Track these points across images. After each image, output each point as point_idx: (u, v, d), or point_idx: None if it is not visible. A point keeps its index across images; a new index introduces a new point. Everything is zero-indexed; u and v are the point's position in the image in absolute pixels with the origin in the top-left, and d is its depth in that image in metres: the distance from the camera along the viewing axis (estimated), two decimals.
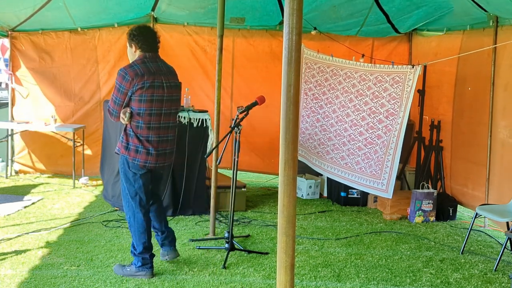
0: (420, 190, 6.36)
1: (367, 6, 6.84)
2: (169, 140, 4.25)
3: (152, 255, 4.31)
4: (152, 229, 4.40)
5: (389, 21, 7.21)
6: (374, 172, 6.12)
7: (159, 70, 4.14)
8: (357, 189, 6.85)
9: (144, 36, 4.11)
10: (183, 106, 6.28)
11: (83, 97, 7.78)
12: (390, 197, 6.12)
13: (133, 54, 4.16)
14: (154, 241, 4.45)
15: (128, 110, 4.05)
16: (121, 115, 4.06)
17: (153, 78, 4.04)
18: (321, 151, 6.79)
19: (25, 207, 6.16)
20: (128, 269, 4.28)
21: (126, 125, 4.11)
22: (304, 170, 7.42)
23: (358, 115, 6.32)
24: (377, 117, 6.10)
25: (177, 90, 4.31)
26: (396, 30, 7.62)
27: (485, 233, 5.96)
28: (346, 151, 6.47)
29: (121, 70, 4.02)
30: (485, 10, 5.75)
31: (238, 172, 4.85)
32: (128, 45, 4.17)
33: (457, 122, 6.66)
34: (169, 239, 4.56)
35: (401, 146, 5.92)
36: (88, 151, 7.85)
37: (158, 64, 4.17)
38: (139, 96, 4.00)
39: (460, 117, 6.62)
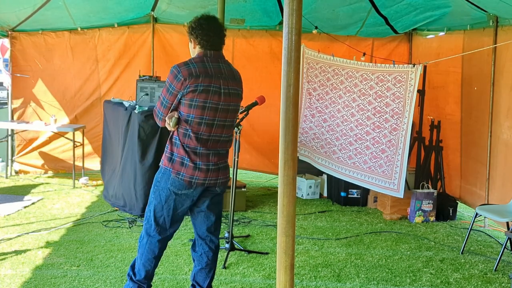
0: (420, 190, 6.36)
1: (365, 10, 6.92)
2: (220, 154, 3.51)
3: (150, 286, 3.69)
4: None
5: (387, 23, 7.26)
6: (386, 172, 6.11)
7: (219, 73, 3.42)
8: (357, 189, 6.85)
9: (204, 30, 3.41)
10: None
11: (83, 95, 7.82)
12: (402, 197, 6.03)
13: (193, 51, 3.52)
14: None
15: (176, 114, 3.40)
16: (167, 119, 3.41)
17: (209, 81, 3.35)
18: (328, 151, 6.78)
19: (25, 207, 6.16)
20: None
21: (173, 132, 3.46)
22: (304, 170, 7.42)
23: (363, 115, 6.32)
24: (383, 116, 6.10)
25: (236, 99, 3.54)
26: (395, 31, 7.63)
27: (485, 233, 5.95)
28: (353, 150, 6.47)
29: (174, 67, 3.36)
30: (485, 11, 5.74)
31: (238, 171, 4.85)
32: (189, 41, 3.53)
33: (466, 122, 6.64)
34: None
35: (408, 146, 5.92)
36: (88, 147, 7.92)
37: (219, 66, 3.44)
38: (190, 100, 3.34)
39: (469, 117, 6.60)
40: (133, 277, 3.62)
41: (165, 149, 3.51)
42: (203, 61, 3.39)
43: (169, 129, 3.44)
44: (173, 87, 3.34)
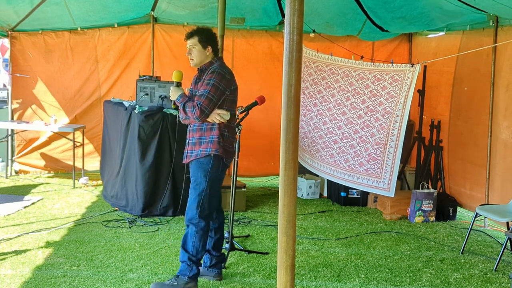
0: (420, 190, 6.36)
1: (360, 20, 7.08)
2: (234, 140, 4.34)
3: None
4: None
5: (384, 30, 7.35)
6: (373, 171, 6.10)
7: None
8: (357, 189, 6.84)
9: (216, 40, 4.18)
10: None
11: (83, 95, 7.82)
12: (392, 196, 6.10)
13: (206, 56, 4.08)
14: None
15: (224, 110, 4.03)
16: (219, 113, 3.96)
17: (235, 80, 4.14)
18: (312, 150, 6.78)
19: (25, 207, 6.16)
20: (175, 283, 3.96)
21: (212, 124, 4.01)
22: (304, 170, 7.41)
23: (354, 113, 6.30)
24: (374, 115, 6.09)
25: None
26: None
27: (485, 233, 5.95)
28: (336, 149, 6.45)
29: (219, 69, 4.00)
30: (484, 11, 5.74)
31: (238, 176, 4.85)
32: (201, 46, 4.04)
33: (455, 122, 6.66)
34: (222, 261, 4.42)
35: (401, 145, 5.91)
36: (88, 147, 7.92)
37: None
38: (232, 96, 4.08)
39: (458, 117, 6.62)
40: (194, 259, 3.99)
41: (209, 139, 3.99)
42: (224, 64, 4.17)
43: (222, 121, 3.98)
44: (223, 86, 3.97)
